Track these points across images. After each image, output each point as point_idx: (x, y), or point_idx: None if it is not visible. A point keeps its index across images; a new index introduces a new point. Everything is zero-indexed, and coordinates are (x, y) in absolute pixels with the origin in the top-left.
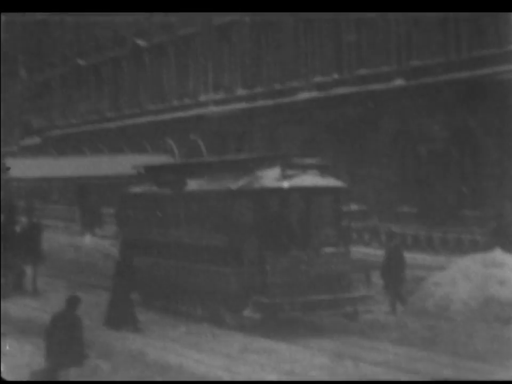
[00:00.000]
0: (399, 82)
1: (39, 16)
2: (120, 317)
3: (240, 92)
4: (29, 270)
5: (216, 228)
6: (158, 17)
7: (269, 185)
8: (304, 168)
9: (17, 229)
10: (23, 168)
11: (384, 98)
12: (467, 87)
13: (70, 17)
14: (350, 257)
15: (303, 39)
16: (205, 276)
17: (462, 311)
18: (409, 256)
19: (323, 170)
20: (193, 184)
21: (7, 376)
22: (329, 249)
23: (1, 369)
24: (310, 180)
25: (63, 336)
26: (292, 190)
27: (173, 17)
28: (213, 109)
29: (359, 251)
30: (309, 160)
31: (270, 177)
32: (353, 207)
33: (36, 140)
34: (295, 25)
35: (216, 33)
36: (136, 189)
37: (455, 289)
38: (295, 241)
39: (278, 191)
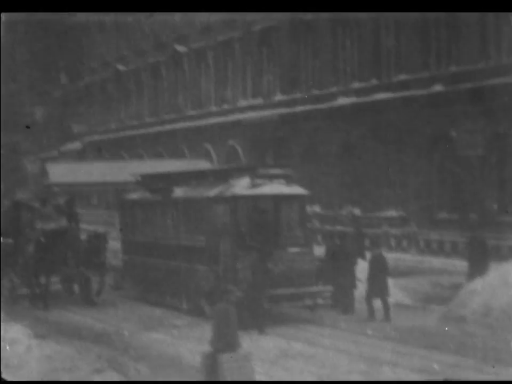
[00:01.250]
0: (438, 87)
1: (80, 18)
2: None
3: (279, 97)
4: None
5: (196, 230)
6: (198, 22)
7: (239, 192)
8: (271, 178)
9: (83, 237)
10: (63, 173)
11: (423, 103)
12: (506, 92)
13: (109, 18)
14: (313, 256)
15: (341, 44)
16: (188, 273)
17: (501, 318)
18: (447, 263)
19: (288, 179)
20: (179, 191)
21: (7, 376)
22: (293, 249)
23: (1, 369)
24: (275, 188)
25: None
26: (259, 197)
27: (213, 23)
28: (251, 114)
29: (399, 258)
30: (275, 171)
31: (241, 185)
32: (391, 213)
33: (76, 145)
34: (333, 30)
35: (255, 39)
36: (133, 195)
37: (494, 296)
38: (263, 242)
39: (247, 198)
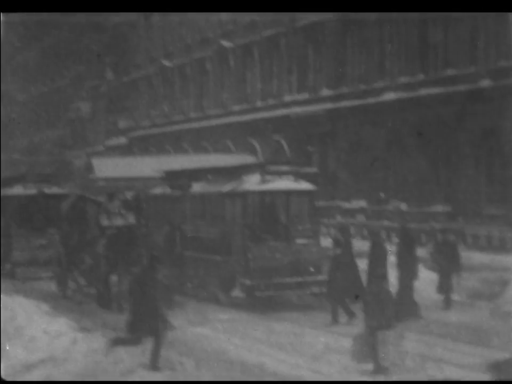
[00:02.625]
0: (485, 82)
1: (127, 16)
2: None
3: (325, 92)
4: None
5: (211, 223)
6: (243, 18)
7: (250, 188)
8: (280, 174)
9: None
10: (108, 167)
11: (470, 98)
12: None
13: (156, 18)
14: (320, 247)
15: (388, 39)
16: (204, 263)
17: None
18: (496, 258)
19: (297, 175)
20: (196, 187)
21: (7, 376)
22: (301, 241)
23: (1, 369)
24: (284, 184)
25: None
26: (268, 192)
27: (258, 18)
28: (297, 109)
29: None
30: (284, 168)
31: (252, 181)
32: (438, 208)
33: (121, 140)
34: (380, 25)
35: (301, 34)
36: (156, 190)
37: None
38: (272, 234)
39: (257, 193)
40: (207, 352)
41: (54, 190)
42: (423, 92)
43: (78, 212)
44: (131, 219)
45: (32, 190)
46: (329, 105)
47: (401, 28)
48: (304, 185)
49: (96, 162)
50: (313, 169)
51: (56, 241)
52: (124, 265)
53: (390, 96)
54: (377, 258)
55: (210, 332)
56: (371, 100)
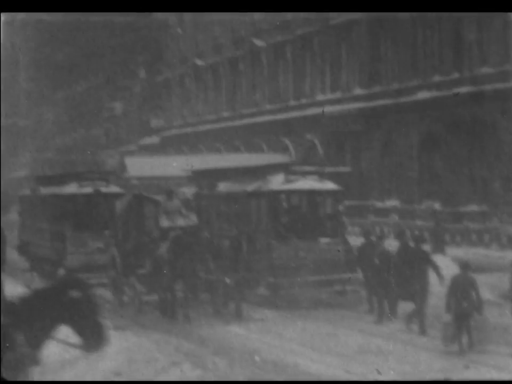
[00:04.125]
0: None
1: (159, 16)
2: None
3: (358, 91)
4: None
5: (236, 221)
6: (276, 17)
7: (274, 188)
8: (305, 174)
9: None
10: (141, 166)
11: (505, 97)
12: None
13: (188, 17)
14: (342, 246)
15: (422, 37)
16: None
17: None
18: None
19: (322, 175)
20: (222, 186)
21: (7, 376)
22: (324, 240)
23: (1, 369)
24: (308, 183)
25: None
26: (293, 192)
27: (290, 17)
28: (330, 108)
29: (480, 253)
30: (309, 168)
31: (276, 181)
32: (473, 207)
33: (154, 139)
34: (413, 24)
35: (334, 32)
36: (184, 189)
37: None
38: (296, 233)
39: (281, 192)
40: (240, 352)
41: (112, 188)
42: (457, 90)
43: (134, 212)
44: (193, 219)
45: (88, 189)
46: (362, 104)
47: (435, 26)
48: (329, 185)
49: (129, 161)
50: (346, 169)
51: (111, 244)
52: (189, 271)
53: (423, 94)
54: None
55: (243, 331)
56: (404, 99)
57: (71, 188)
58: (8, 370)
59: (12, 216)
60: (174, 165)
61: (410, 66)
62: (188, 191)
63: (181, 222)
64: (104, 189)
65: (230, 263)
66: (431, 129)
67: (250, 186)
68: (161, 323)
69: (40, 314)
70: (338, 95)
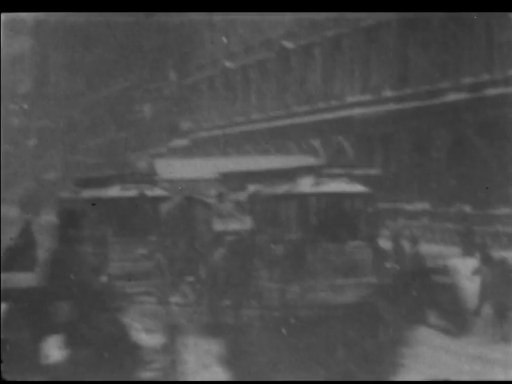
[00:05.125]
0: None
1: (188, 17)
2: None
3: (388, 93)
4: None
5: (267, 224)
6: (305, 18)
7: (304, 190)
8: (334, 177)
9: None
10: (171, 169)
11: None
12: None
13: (218, 17)
14: (374, 248)
15: (452, 38)
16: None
17: None
18: None
19: (351, 178)
20: (251, 188)
21: (7, 376)
22: (354, 243)
23: (1, 369)
24: (338, 186)
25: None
26: (322, 194)
27: (320, 19)
28: (359, 110)
29: (510, 256)
30: (338, 170)
31: (306, 184)
32: (505, 210)
33: (184, 142)
34: (443, 25)
35: (364, 34)
36: (211, 192)
37: None
38: (325, 236)
39: (311, 195)
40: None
41: (157, 191)
42: (489, 92)
43: (184, 215)
44: (248, 223)
45: (132, 192)
46: (392, 106)
47: (465, 27)
48: (358, 188)
49: (159, 163)
50: (375, 171)
51: (157, 250)
52: (247, 278)
53: (454, 96)
54: None
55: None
56: (435, 101)
57: (114, 191)
58: None
59: (44, 218)
60: (205, 168)
61: (441, 67)
62: (242, 193)
63: (235, 226)
64: (149, 192)
65: (292, 270)
66: (462, 131)
67: (280, 189)
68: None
69: None
70: (368, 97)
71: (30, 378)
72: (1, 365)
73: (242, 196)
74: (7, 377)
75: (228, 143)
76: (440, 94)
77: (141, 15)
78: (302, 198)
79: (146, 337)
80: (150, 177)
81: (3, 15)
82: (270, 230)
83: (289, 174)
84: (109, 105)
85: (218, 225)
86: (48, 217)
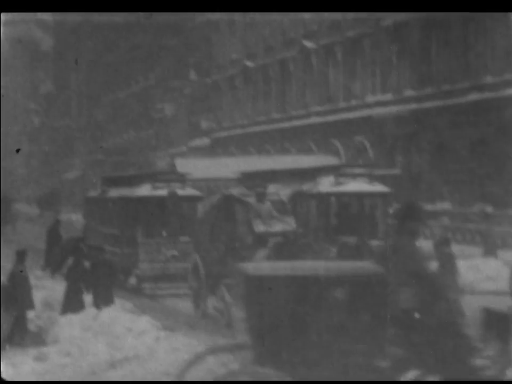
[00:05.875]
0: None
1: (209, 17)
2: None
3: (409, 92)
4: None
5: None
6: (326, 17)
7: (324, 190)
8: (355, 176)
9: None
10: (191, 168)
11: None
12: None
13: (239, 17)
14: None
15: (473, 38)
16: None
17: None
18: None
19: (376, 177)
20: (271, 188)
21: (7, 376)
22: (374, 242)
23: (1, 369)
24: (358, 186)
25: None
26: (342, 194)
27: (341, 18)
28: (380, 110)
29: None
30: (359, 170)
31: (326, 183)
32: None
33: (204, 141)
34: (464, 25)
35: (385, 34)
36: (233, 191)
37: None
38: (345, 235)
39: (331, 194)
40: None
41: (188, 191)
42: (510, 91)
43: (223, 215)
44: (291, 224)
45: (162, 191)
46: (413, 106)
47: (487, 26)
48: (379, 187)
49: (179, 163)
50: (396, 171)
51: (192, 251)
52: None
53: (474, 96)
54: None
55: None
56: (455, 101)
57: (144, 190)
58: None
59: (66, 217)
60: (226, 167)
61: (461, 67)
62: (283, 192)
63: (277, 227)
64: (180, 191)
65: None
66: (482, 131)
67: (300, 188)
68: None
69: None
70: (388, 96)
71: None
72: (1, 365)
73: (283, 195)
74: (8, 377)
75: (248, 142)
76: (461, 93)
77: (160, 16)
78: (319, 197)
79: None
80: (181, 176)
81: (3, 15)
82: (312, 231)
83: (310, 174)
84: (129, 105)
85: (260, 226)
86: (73, 216)
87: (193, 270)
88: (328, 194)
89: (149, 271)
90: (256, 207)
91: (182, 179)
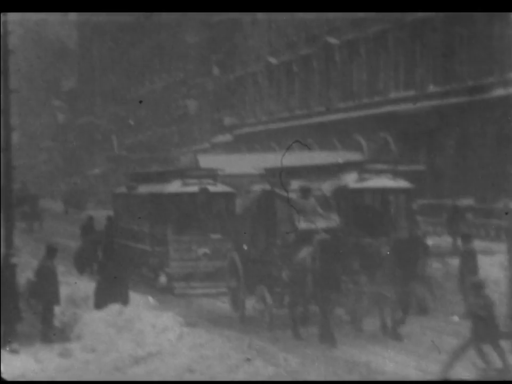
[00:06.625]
0: None
1: (232, 14)
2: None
3: (432, 88)
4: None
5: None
6: (349, 15)
7: (348, 186)
8: (378, 173)
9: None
10: (214, 164)
11: None
12: None
13: (262, 16)
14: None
15: (498, 33)
16: None
17: None
18: None
19: (395, 173)
20: (295, 184)
21: (7, 376)
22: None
23: (1, 369)
24: (381, 182)
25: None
26: (366, 190)
27: (365, 15)
28: (404, 106)
29: None
30: (382, 166)
31: (349, 180)
32: None
33: (227, 137)
34: (489, 21)
35: (408, 30)
36: (256, 187)
37: None
38: (368, 231)
39: (355, 190)
40: (313, 350)
41: (219, 187)
42: None
43: (264, 211)
44: (335, 220)
45: (193, 187)
46: (436, 102)
47: (510, 21)
48: (402, 184)
49: (202, 159)
50: (420, 167)
51: (229, 249)
52: (338, 281)
53: (499, 92)
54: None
55: (316, 329)
56: (479, 96)
57: (174, 186)
58: None
59: (87, 214)
60: (248, 163)
61: (485, 63)
62: (326, 187)
63: (321, 223)
64: (211, 188)
65: (391, 273)
66: (507, 127)
67: (323, 185)
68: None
69: None
70: (412, 92)
71: None
72: (1, 365)
73: (326, 191)
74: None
75: (271, 138)
76: (485, 89)
77: (182, 13)
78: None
79: None
80: (212, 172)
81: (3, 15)
82: (355, 228)
83: (333, 170)
84: (152, 102)
85: (302, 223)
86: (99, 213)
87: (231, 269)
88: (352, 190)
89: (180, 270)
90: (299, 203)
91: (213, 175)
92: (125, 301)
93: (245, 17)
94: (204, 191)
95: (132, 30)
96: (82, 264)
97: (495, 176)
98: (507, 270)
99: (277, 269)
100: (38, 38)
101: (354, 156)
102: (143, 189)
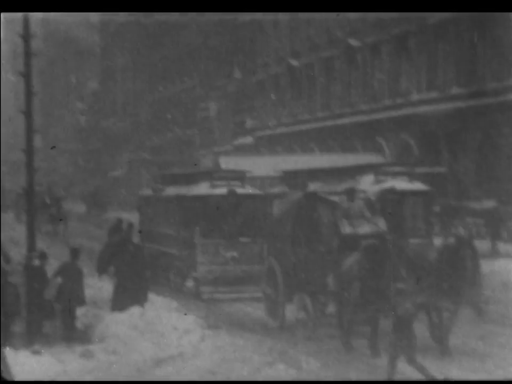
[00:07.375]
0: None
1: (253, 16)
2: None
3: (455, 90)
4: None
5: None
6: (371, 16)
7: (363, 188)
8: (395, 175)
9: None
10: (236, 166)
11: None
12: None
13: (284, 17)
14: (433, 246)
15: None
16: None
17: None
18: None
19: (412, 176)
20: (312, 186)
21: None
22: (415, 240)
23: (1, 369)
24: (398, 184)
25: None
26: (408, 192)
27: (386, 16)
28: (426, 108)
29: None
30: (398, 168)
31: (366, 182)
32: None
33: (248, 140)
34: (511, 22)
35: (431, 31)
36: (275, 190)
37: None
38: (410, 234)
39: (403, 193)
40: (332, 353)
41: (248, 189)
42: None
43: (305, 215)
44: (382, 225)
45: (221, 190)
46: (459, 104)
47: None
48: (419, 186)
49: (224, 161)
50: (441, 169)
51: (265, 254)
52: (387, 290)
53: None
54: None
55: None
56: (502, 98)
57: (202, 188)
58: None
59: (112, 215)
60: (270, 166)
61: (508, 64)
62: (370, 189)
63: (366, 228)
64: (239, 190)
65: (442, 281)
66: None
67: (339, 187)
68: None
69: None
70: (434, 94)
71: None
72: (1, 365)
73: (371, 194)
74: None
75: (292, 140)
76: (507, 91)
77: (204, 15)
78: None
79: None
80: (240, 174)
81: (3, 15)
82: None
83: (350, 172)
84: (174, 104)
85: (346, 227)
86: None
87: (268, 275)
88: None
89: (207, 274)
90: (345, 206)
91: (241, 177)
92: (142, 303)
93: (267, 18)
94: (232, 193)
95: (153, 32)
96: (102, 266)
97: None
98: None
99: (320, 276)
100: (62, 40)
101: (375, 158)
102: (170, 191)
